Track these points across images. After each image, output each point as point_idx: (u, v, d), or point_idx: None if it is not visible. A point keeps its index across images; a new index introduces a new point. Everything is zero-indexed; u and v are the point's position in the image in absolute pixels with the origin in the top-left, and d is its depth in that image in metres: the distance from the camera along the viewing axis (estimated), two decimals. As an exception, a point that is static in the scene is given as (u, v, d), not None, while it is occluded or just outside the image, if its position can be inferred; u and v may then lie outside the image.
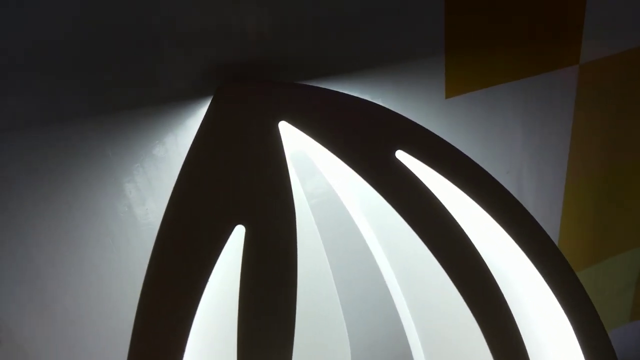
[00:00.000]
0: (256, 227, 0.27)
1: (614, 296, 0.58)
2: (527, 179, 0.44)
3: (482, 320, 0.30)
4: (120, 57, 0.28)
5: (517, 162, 0.43)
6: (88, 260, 0.32)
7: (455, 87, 0.37)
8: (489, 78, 0.38)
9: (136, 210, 0.32)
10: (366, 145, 0.28)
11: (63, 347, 0.34)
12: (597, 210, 0.50)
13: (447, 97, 0.37)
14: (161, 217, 0.26)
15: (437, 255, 0.29)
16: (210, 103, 0.28)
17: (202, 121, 0.27)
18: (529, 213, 0.31)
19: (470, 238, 0.30)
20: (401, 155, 0.29)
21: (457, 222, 0.30)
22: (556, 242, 0.33)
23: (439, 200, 0.29)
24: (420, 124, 0.30)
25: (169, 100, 0.30)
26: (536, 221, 0.31)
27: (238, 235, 0.27)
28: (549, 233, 0.32)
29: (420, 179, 0.29)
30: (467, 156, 0.30)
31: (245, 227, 0.26)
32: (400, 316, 0.35)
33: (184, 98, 0.30)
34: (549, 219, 0.48)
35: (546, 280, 0.31)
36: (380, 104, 0.34)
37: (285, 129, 0.28)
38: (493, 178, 0.31)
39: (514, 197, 0.31)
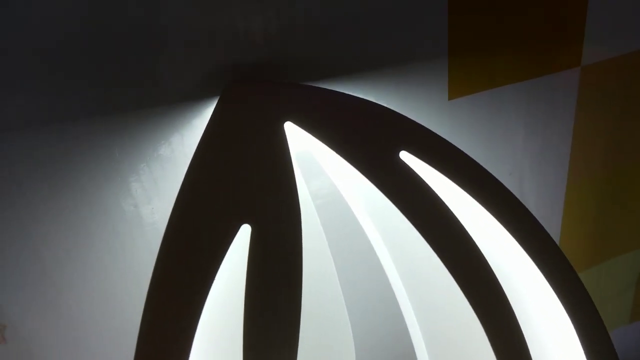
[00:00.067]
0: (262, 227, 0.27)
1: (614, 297, 0.58)
2: (529, 179, 0.45)
3: (485, 321, 0.30)
4: (127, 57, 0.28)
5: (519, 163, 0.43)
6: (93, 259, 0.32)
7: (458, 88, 0.37)
8: (492, 80, 0.39)
9: (142, 209, 0.32)
10: (371, 146, 0.29)
11: (68, 346, 0.34)
12: (598, 211, 0.50)
13: (450, 98, 0.38)
14: (167, 216, 0.27)
15: (441, 256, 0.29)
16: (217, 103, 0.28)
17: (209, 121, 0.27)
18: (531, 214, 0.31)
19: (474, 239, 0.30)
20: (405, 156, 0.29)
21: (461, 223, 0.30)
22: (557, 243, 0.33)
23: (442, 201, 0.30)
24: (423, 125, 0.30)
25: (176, 100, 0.30)
26: (539, 222, 0.31)
27: (244, 234, 0.27)
28: (550, 234, 0.32)
29: (424, 179, 0.29)
30: (470, 157, 0.31)
31: (251, 227, 0.27)
32: (404, 317, 0.35)
33: (190, 98, 0.30)
34: (550, 219, 0.48)
35: (548, 281, 0.31)
36: (384, 105, 0.34)
37: (291, 129, 0.28)
38: (496, 179, 0.31)
39: (516, 199, 0.31)
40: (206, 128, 0.27)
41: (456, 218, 0.30)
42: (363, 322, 0.43)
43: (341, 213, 0.36)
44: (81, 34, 0.27)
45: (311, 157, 0.31)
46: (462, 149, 0.31)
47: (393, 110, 0.30)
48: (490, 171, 0.31)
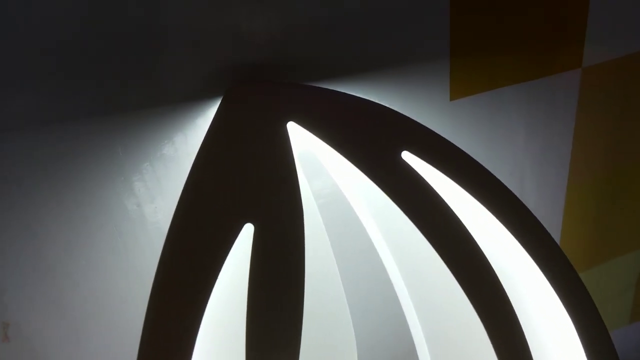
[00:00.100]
0: (265, 226, 0.27)
1: (614, 297, 0.58)
2: (529, 179, 0.45)
3: (487, 321, 0.30)
4: (130, 57, 0.28)
5: (520, 164, 0.44)
6: (96, 257, 0.32)
7: (460, 89, 0.38)
8: (493, 81, 0.39)
9: (145, 208, 0.32)
10: (373, 146, 0.29)
11: (70, 344, 0.34)
12: (599, 211, 0.50)
13: (451, 99, 0.38)
14: (169, 215, 0.27)
15: (443, 255, 0.29)
16: (220, 103, 0.28)
17: (212, 121, 0.28)
18: (532, 214, 0.32)
19: (475, 239, 0.30)
20: (407, 156, 0.29)
21: (462, 223, 0.30)
22: (558, 243, 0.33)
23: (444, 201, 0.30)
24: (425, 125, 0.31)
25: (180, 100, 0.30)
26: (540, 222, 0.32)
27: (247, 233, 0.27)
28: (550, 234, 0.32)
29: (426, 179, 0.30)
30: (471, 157, 0.31)
31: (254, 226, 0.27)
32: (406, 316, 0.35)
33: (194, 98, 0.30)
34: (551, 219, 0.48)
35: (549, 281, 0.31)
36: (386, 105, 0.34)
37: (293, 129, 0.28)
38: (497, 179, 0.31)
39: (518, 199, 0.31)
40: (209, 128, 0.27)
41: (457, 218, 0.30)
42: (365, 321, 0.43)
43: (343, 213, 0.36)
44: (83, 33, 0.27)
45: (313, 157, 0.32)
46: (463, 149, 0.31)
47: (395, 111, 0.30)
48: (492, 171, 0.31)
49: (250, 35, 0.30)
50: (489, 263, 0.30)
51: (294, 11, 0.30)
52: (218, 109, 0.28)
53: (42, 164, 0.29)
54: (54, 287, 0.32)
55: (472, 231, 0.30)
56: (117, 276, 0.33)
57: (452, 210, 0.30)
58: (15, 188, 0.29)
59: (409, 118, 0.30)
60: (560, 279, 0.31)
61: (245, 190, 0.27)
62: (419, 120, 0.30)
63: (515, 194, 0.32)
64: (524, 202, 0.32)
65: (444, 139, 0.30)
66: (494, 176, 0.31)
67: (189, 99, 0.30)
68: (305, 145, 0.29)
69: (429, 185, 0.30)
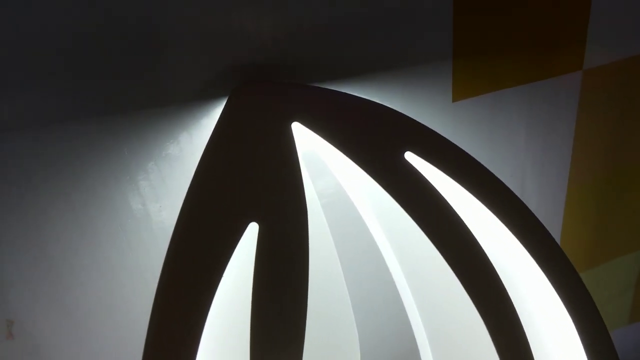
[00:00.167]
0: (269, 224, 0.27)
1: (614, 298, 0.58)
2: (530, 180, 0.45)
3: (489, 321, 0.30)
4: (136, 57, 0.28)
5: (522, 164, 0.44)
6: (101, 256, 0.33)
7: (462, 90, 0.38)
8: (495, 82, 0.39)
9: (150, 207, 0.32)
10: (376, 146, 0.29)
11: (74, 342, 0.34)
12: (599, 212, 0.51)
13: (454, 100, 0.38)
14: (174, 214, 0.27)
15: (445, 255, 0.29)
16: (226, 104, 0.28)
17: (218, 121, 0.28)
18: (533, 215, 0.32)
19: (477, 238, 0.31)
20: (410, 157, 0.30)
21: (464, 223, 0.30)
22: (558, 244, 0.33)
23: (447, 201, 0.30)
24: (427, 126, 0.31)
25: (185, 100, 0.30)
26: (541, 223, 0.32)
27: (250, 234, 0.27)
28: (551, 234, 0.32)
29: (429, 180, 0.30)
30: (474, 158, 0.31)
31: (259, 224, 0.27)
32: (409, 316, 0.35)
33: (199, 98, 0.30)
34: (551, 220, 0.49)
35: (550, 281, 0.32)
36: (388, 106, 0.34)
37: (297, 129, 0.28)
38: (499, 180, 0.31)
39: (519, 199, 0.32)
40: (215, 128, 0.28)
41: (460, 218, 0.30)
42: (368, 321, 0.43)
43: (346, 212, 0.37)
44: (93, 35, 0.27)
45: (317, 157, 0.32)
46: (465, 150, 0.31)
47: (398, 112, 0.30)
48: (493, 172, 0.31)
49: (256, 36, 0.30)
50: (491, 264, 0.30)
51: (300, 12, 0.30)
52: (223, 109, 0.28)
53: (49, 162, 0.29)
54: (58, 286, 0.32)
55: (473, 231, 0.30)
56: (121, 275, 0.34)
57: (454, 211, 0.30)
58: (22, 186, 0.29)
59: (412, 119, 0.30)
60: (561, 279, 0.32)
61: (250, 189, 0.27)
62: (421, 121, 0.31)
63: (516, 194, 0.32)
64: (525, 202, 0.32)
65: (447, 140, 0.31)
66: (496, 177, 0.31)
67: (194, 99, 0.30)
68: (310, 146, 0.29)
69: (432, 186, 0.30)
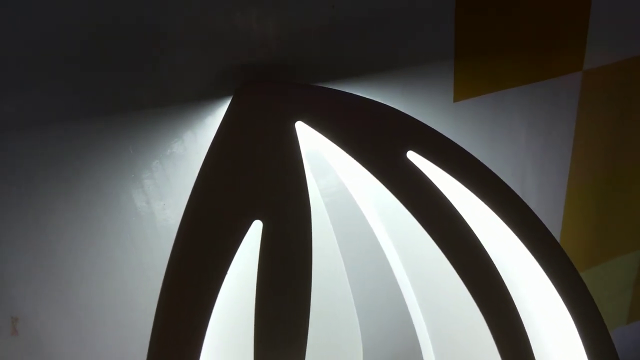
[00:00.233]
0: (273, 222, 0.27)
1: (613, 297, 0.58)
2: (530, 179, 0.45)
3: (491, 320, 0.30)
4: (142, 56, 0.28)
5: (522, 164, 0.44)
6: (105, 254, 0.33)
7: (463, 91, 0.38)
8: (496, 83, 0.39)
9: (154, 206, 0.33)
10: (379, 146, 0.29)
11: (78, 339, 0.34)
12: (599, 212, 0.51)
13: (455, 100, 0.38)
14: (178, 212, 0.27)
15: (448, 254, 0.30)
16: (230, 103, 0.29)
17: (222, 120, 0.28)
18: (534, 213, 0.32)
19: (478, 237, 0.31)
20: (412, 156, 0.30)
21: (466, 222, 0.30)
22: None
23: (449, 200, 0.30)
24: (429, 126, 0.31)
25: (190, 99, 0.30)
26: (541, 222, 0.32)
27: (253, 233, 0.27)
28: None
29: (431, 179, 0.30)
30: (475, 158, 0.31)
31: (263, 222, 0.27)
32: (411, 315, 0.35)
33: (204, 98, 0.31)
34: (551, 219, 0.49)
35: (550, 280, 0.32)
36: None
37: (301, 128, 0.28)
38: (500, 179, 0.32)
39: (519, 198, 0.32)
40: (219, 127, 0.28)
41: (461, 217, 0.30)
42: (370, 320, 0.43)
43: (349, 211, 0.37)
44: (98, 33, 0.27)
45: (320, 156, 0.32)
46: (466, 149, 0.31)
47: (401, 111, 0.30)
48: (494, 171, 0.32)
49: (259, 36, 0.30)
50: (493, 263, 0.31)
51: (300, 12, 0.31)
52: (228, 108, 0.28)
53: (53, 161, 0.29)
54: (62, 282, 0.32)
55: (474, 229, 0.31)
56: (125, 273, 0.34)
57: (456, 209, 0.30)
58: (26, 184, 0.29)
59: (414, 119, 0.31)
60: (562, 278, 0.32)
61: (254, 188, 0.27)
62: (423, 121, 0.31)
63: (517, 193, 0.32)
64: (525, 201, 0.32)
65: (449, 139, 0.31)
66: (497, 176, 0.32)
67: (198, 98, 0.30)
68: (313, 145, 0.30)
69: (434, 185, 0.30)
